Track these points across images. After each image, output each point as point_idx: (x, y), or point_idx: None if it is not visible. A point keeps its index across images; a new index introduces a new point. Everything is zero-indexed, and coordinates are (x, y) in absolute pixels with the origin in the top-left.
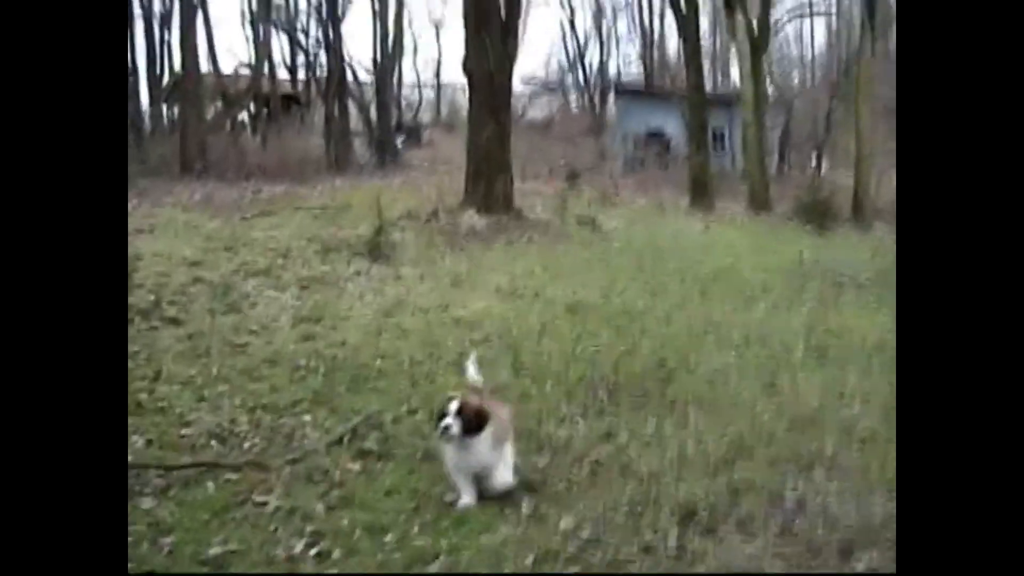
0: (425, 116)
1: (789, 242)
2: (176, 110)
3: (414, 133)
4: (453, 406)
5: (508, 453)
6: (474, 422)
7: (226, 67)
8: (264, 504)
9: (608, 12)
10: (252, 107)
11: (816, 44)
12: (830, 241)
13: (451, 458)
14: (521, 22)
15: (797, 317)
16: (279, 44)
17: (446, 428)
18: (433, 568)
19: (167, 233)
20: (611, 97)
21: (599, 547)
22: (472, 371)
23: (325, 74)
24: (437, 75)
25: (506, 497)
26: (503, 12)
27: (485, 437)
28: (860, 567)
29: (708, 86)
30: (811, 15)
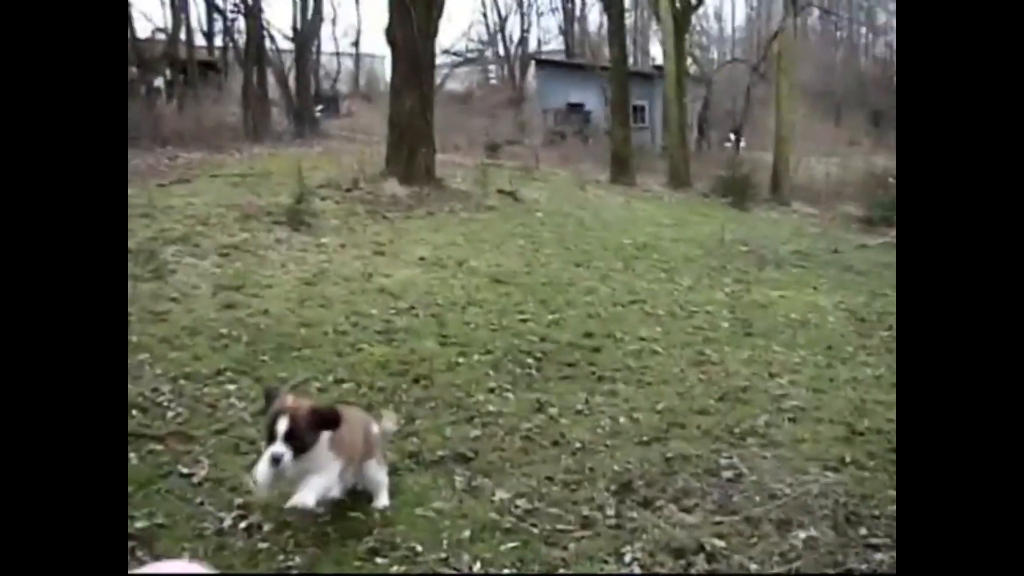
0: (344, 86)
1: (710, 217)
2: None
3: (333, 103)
4: (282, 426)
5: (380, 472)
6: (305, 439)
7: (141, 32)
8: (190, 476)
9: None
10: (168, 73)
11: (736, 20)
12: (750, 217)
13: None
14: None
15: (721, 291)
16: (196, 9)
17: (277, 459)
18: (369, 542)
19: None
20: (531, 70)
21: (537, 519)
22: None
23: (243, 40)
24: (356, 44)
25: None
26: None
27: (320, 449)
28: (799, 540)
29: (629, 62)
30: None
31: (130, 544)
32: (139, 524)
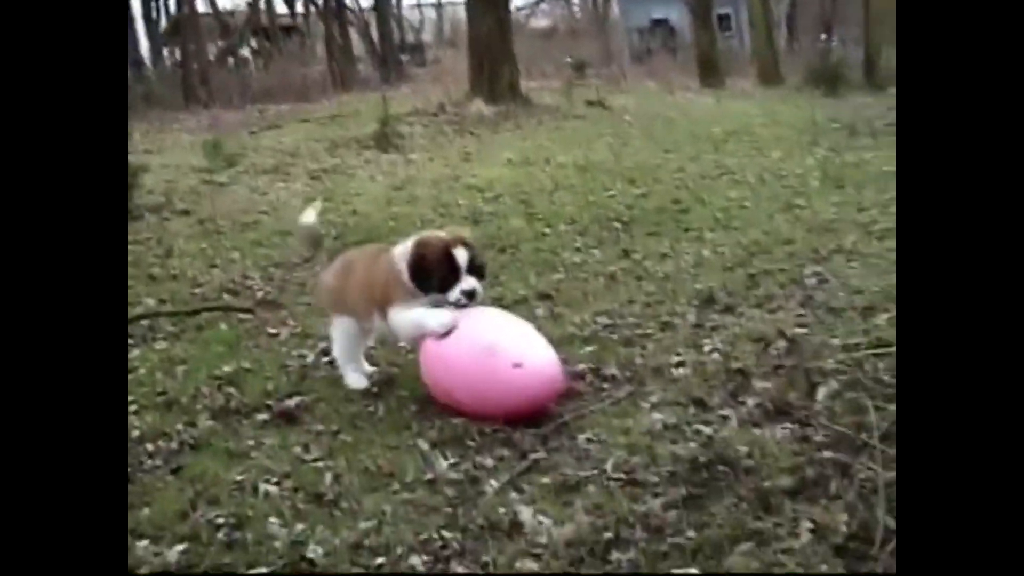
0: (429, 36)
1: (801, 106)
2: (177, 52)
3: (418, 51)
4: (462, 257)
5: None
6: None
7: (224, 4)
8: (277, 334)
9: None
10: (253, 43)
11: None
12: (843, 103)
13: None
14: None
15: (812, 158)
16: None
17: (472, 295)
18: None
19: (174, 150)
20: None
21: (616, 330)
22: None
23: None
24: None
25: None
26: None
27: None
28: (883, 320)
29: None
30: None
31: (217, 384)
32: (226, 368)
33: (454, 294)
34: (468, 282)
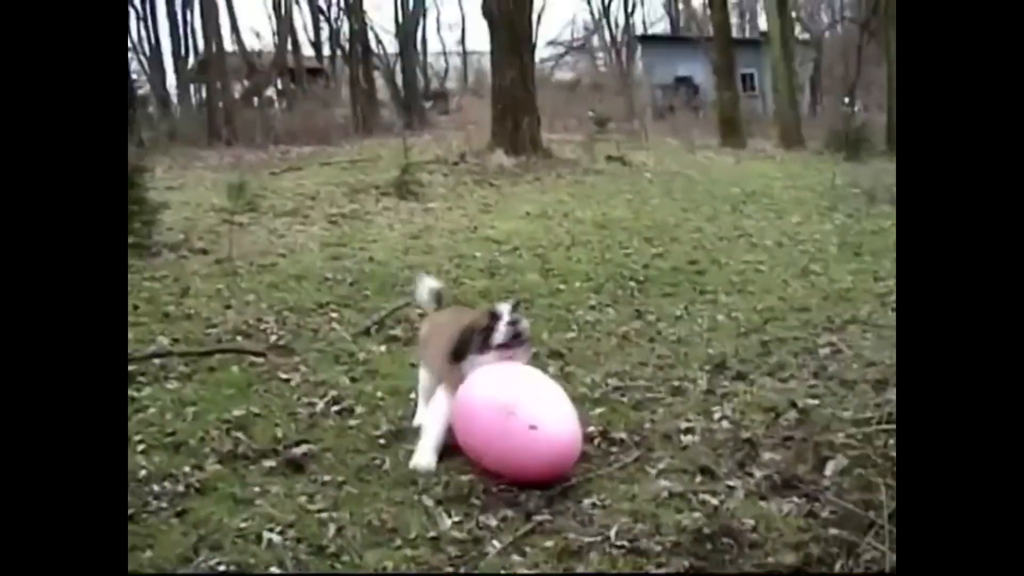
0: (453, 84)
1: (822, 170)
2: (204, 89)
3: (441, 98)
4: (505, 306)
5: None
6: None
7: (250, 45)
8: (288, 380)
9: None
10: (279, 83)
11: None
12: (864, 168)
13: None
14: None
15: (830, 223)
16: (301, 18)
17: (515, 321)
18: None
19: (196, 188)
20: (638, 50)
21: (626, 392)
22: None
23: (349, 43)
24: (462, 42)
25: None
26: None
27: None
28: (894, 395)
29: (735, 32)
30: None
31: (226, 427)
32: (236, 412)
33: (498, 336)
34: (514, 314)
